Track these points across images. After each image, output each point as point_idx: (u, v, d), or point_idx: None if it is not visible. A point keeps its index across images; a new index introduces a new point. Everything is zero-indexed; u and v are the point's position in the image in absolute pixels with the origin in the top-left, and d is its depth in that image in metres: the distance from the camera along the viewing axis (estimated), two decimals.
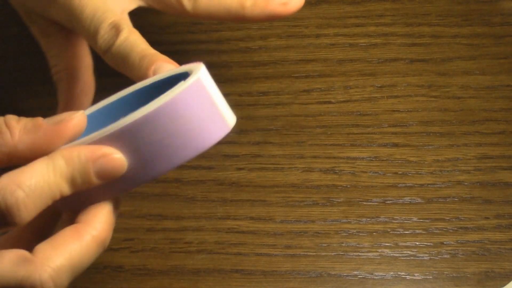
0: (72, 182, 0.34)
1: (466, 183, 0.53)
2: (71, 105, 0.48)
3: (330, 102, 0.57)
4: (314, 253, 0.51)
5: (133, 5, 0.44)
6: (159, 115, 0.34)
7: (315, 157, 0.54)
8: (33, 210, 0.33)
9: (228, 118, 0.38)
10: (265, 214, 0.53)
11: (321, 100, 0.57)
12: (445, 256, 0.51)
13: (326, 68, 0.58)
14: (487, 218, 0.52)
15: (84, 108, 0.44)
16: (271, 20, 0.44)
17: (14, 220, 0.33)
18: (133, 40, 0.41)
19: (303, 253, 0.51)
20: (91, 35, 0.42)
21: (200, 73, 0.36)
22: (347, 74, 0.58)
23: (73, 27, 0.44)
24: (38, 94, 0.58)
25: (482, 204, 0.52)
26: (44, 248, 0.34)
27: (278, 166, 0.54)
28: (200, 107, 0.36)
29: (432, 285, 0.50)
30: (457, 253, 0.51)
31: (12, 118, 0.34)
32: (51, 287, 0.33)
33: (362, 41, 0.59)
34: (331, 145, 0.55)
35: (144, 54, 0.40)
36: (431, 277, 0.50)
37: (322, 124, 0.56)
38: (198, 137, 0.35)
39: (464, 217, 0.52)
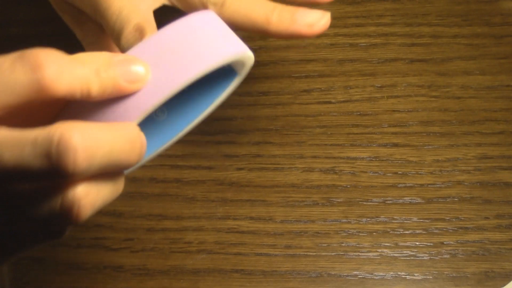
0: (99, 75, 0.33)
1: (466, 183, 0.53)
2: None
3: (330, 102, 0.57)
4: (314, 253, 0.51)
5: (158, 3, 0.44)
6: (174, 30, 0.35)
7: (315, 157, 0.54)
8: (63, 88, 0.32)
9: (241, 45, 0.38)
10: (265, 214, 0.53)
11: (321, 100, 0.57)
12: (445, 256, 0.51)
13: (326, 68, 0.58)
14: (487, 218, 0.52)
15: None
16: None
17: (40, 78, 0.31)
18: None
19: (303, 253, 0.51)
20: (116, 34, 0.42)
21: (209, 10, 0.38)
22: (347, 74, 0.58)
23: (98, 21, 0.44)
24: None
25: (482, 204, 0.52)
26: (75, 121, 0.32)
27: (278, 166, 0.54)
28: (212, 28, 0.37)
29: (432, 285, 0.50)
30: (457, 253, 0.51)
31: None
32: (80, 147, 0.30)
33: (362, 41, 0.59)
34: (331, 145, 0.55)
35: None
36: (431, 277, 0.50)
37: (322, 124, 0.56)
38: (212, 51, 0.36)
39: (464, 217, 0.52)
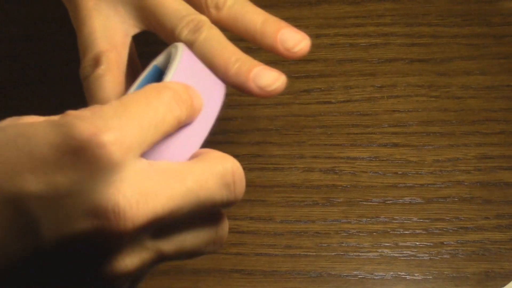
0: (181, 110, 0.34)
1: (466, 183, 0.53)
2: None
3: (330, 102, 0.57)
4: (314, 253, 0.51)
5: (137, 29, 0.44)
6: (188, 60, 0.38)
7: (315, 157, 0.54)
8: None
9: (219, 81, 0.40)
10: (265, 214, 0.53)
11: (321, 100, 0.57)
12: (445, 256, 0.51)
13: (326, 68, 0.58)
14: (487, 218, 0.52)
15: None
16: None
17: (180, 115, 0.34)
18: (102, 81, 0.41)
19: (303, 253, 0.51)
20: (80, 55, 0.42)
21: (182, 45, 0.39)
22: (347, 74, 0.57)
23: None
24: (38, 94, 0.58)
25: (482, 204, 0.52)
26: (204, 153, 0.36)
27: (278, 166, 0.54)
28: (198, 70, 0.38)
29: (432, 285, 0.50)
30: (457, 253, 0.51)
31: None
32: (242, 171, 0.34)
33: (362, 41, 0.59)
34: (331, 145, 0.55)
35: (101, 98, 0.41)
36: (431, 277, 0.50)
37: (322, 124, 0.56)
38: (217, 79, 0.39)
39: (464, 217, 0.52)
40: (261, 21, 0.43)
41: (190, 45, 0.40)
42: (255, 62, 0.42)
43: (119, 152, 0.30)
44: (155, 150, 0.34)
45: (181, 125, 0.34)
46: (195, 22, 0.41)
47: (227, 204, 0.34)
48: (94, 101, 0.41)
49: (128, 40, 0.43)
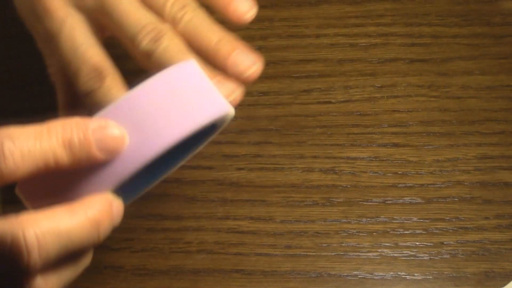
0: (69, 147, 0.32)
1: (466, 183, 0.53)
2: (71, 106, 0.48)
3: (330, 102, 0.57)
4: (314, 253, 0.51)
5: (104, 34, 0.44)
6: (152, 88, 0.34)
7: (315, 157, 0.54)
8: (23, 170, 0.32)
9: (223, 103, 0.37)
10: (265, 214, 0.53)
11: (321, 100, 0.57)
12: (445, 256, 0.51)
13: (326, 68, 0.58)
14: (487, 218, 0.52)
15: (83, 110, 0.44)
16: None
17: (2, 177, 0.31)
18: (112, 93, 0.40)
19: (303, 253, 0.51)
20: (72, 74, 0.41)
21: (191, 60, 0.37)
22: (347, 74, 0.57)
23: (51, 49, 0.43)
24: (38, 94, 0.58)
25: (482, 204, 0.52)
26: (31, 213, 0.32)
27: (278, 166, 0.54)
28: (193, 84, 0.36)
29: (432, 285, 0.50)
30: (457, 253, 0.51)
31: None
32: (35, 246, 0.31)
33: (362, 41, 0.59)
34: (331, 145, 0.55)
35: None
36: (431, 277, 0.50)
37: (322, 124, 0.56)
38: (193, 112, 0.35)
39: (464, 217, 0.52)
40: (215, 40, 0.42)
41: (150, 55, 0.40)
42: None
43: None
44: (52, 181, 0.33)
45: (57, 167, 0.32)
46: (156, 31, 0.40)
47: (13, 270, 0.32)
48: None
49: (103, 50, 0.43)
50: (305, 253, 0.51)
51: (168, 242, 0.52)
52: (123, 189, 0.35)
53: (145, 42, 0.40)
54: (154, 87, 0.34)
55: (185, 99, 0.35)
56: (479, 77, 0.57)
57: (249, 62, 0.42)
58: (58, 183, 0.34)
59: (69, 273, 0.34)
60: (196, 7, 0.42)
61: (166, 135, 0.34)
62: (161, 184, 0.54)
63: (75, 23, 0.42)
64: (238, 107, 0.56)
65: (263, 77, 0.58)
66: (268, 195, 0.53)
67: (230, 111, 0.37)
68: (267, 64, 0.59)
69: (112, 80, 0.40)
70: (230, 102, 0.38)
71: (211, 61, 0.42)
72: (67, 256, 0.33)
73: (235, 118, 0.56)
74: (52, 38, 0.42)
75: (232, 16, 0.42)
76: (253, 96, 0.57)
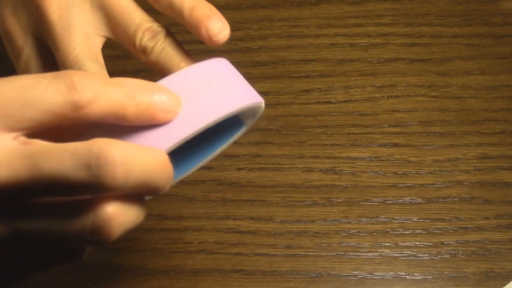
0: (136, 102, 0.33)
1: (466, 183, 0.53)
2: None
3: (330, 102, 0.57)
4: (314, 253, 0.51)
5: (103, 38, 0.44)
6: (201, 70, 0.36)
7: (315, 157, 0.54)
8: (97, 109, 0.32)
9: (257, 94, 0.39)
10: (265, 214, 0.53)
11: (321, 100, 0.57)
12: (445, 256, 0.51)
13: (326, 68, 0.58)
14: (487, 218, 0.52)
15: None
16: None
17: (77, 99, 0.31)
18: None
19: (303, 253, 0.51)
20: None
21: (223, 58, 0.38)
22: (347, 74, 0.58)
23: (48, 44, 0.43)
24: None
25: (482, 204, 0.52)
26: (113, 139, 0.32)
27: (278, 166, 0.54)
28: (231, 75, 0.38)
29: (432, 285, 0.50)
30: (457, 253, 0.51)
31: None
32: (120, 161, 0.30)
33: (362, 41, 0.59)
34: (331, 145, 0.55)
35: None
36: (431, 277, 0.50)
37: (322, 124, 0.56)
38: (236, 95, 0.37)
39: (464, 217, 0.52)
40: (191, 4, 0.42)
41: (148, 51, 0.41)
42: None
43: None
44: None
45: (113, 119, 0.33)
46: (153, 29, 0.41)
47: (91, 188, 0.31)
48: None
49: (101, 55, 0.42)
50: (305, 253, 0.51)
51: (168, 242, 0.52)
52: None
53: (145, 38, 0.41)
54: (201, 70, 0.37)
55: (227, 84, 0.37)
56: (479, 77, 0.57)
57: (220, 26, 0.42)
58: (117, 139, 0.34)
59: (134, 216, 0.33)
60: (166, 35, 0.42)
61: (213, 110, 0.36)
62: None
63: (31, 54, 0.42)
64: None
65: (263, 77, 0.58)
66: (268, 195, 0.53)
67: (263, 105, 0.39)
68: (267, 64, 0.59)
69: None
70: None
71: (185, 23, 0.42)
72: (138, 192, 0.32)
73: None
74: (14, 63, 0.43)
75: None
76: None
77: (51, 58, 0.43)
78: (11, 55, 0.44)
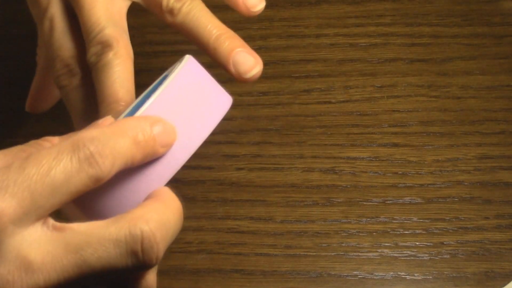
0: (139, 144, 0.33)
1: (466, 183, 0.53)
2: (42, 93, 0.48)
3: (330, 102, 0.57)
4: (314, 253, 0.51)
5: (128, 2, 0.44)
6: (176, 85, 0.36)
7: (315, 157, 0.54)
8: (115, 170, 0.32)
9: (226, 94, 0.39)
10: (265, 214, 0.53)
11: (321, 100, 0.57)
12: (445, 256, 0.51)
13: (326, 68, 0.58)
14: (487, 218, 0.52)
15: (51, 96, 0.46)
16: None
17: (99, 173, 0.31)
18: (111, 68, 0.40)
19: (303, 253, 0.51)
20: (84, 37, 0.41)
21: (190, 58, 0.38)
22: (347, 74, 0.58)
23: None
24: None
25: (482, 204, 0.52)
26: (137, 210, 0.32)
27: (278, 166, 0.54)
28: (201, 82, 0.37)
29: (432, 285, 0.50)
30: (457, 253, 0.51)
31: None
32: (159, 239, 0.32)
33: (362, 41, 0.59)
34: (331, 145, 0.55)
35: (109, 86, 0.40)
36: (431, 277, 0.50)
37: (322, 124, 0.56)
38: (214, 104, 0.37)
39: (464, 217, 0.52)
40: (215, 36, 0.42)
41: (175, 14, 0.41)
42: (235, 42, 0.42)
43: None
44: (101, 192, 0.34)
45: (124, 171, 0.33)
46: None
47: (137, 269, 0.32)
48: (103, 91, 0.40)
49: (123, 19, 0.43)
50: (305, 253, 0.51)
51: None
52: None
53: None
54: (177, 85, 0.36)
55: (205, 94, 0.37)
56: (479, 77, 0.57)
57: (251, 63, 0.42)
58: (122, 181, 0.35)
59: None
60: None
61: (203, 125, 0.36)
62: None
63: (55, 14, 0.42)
64: (238, 107, 0.56)
65: (263, 77, 0.58)
66: (268, 195, 0.53)
67: (231, 101, 0.39)
68: (267, 64, 0.59)
69: (81, 79, 0.41)
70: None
71: (211, 56, 0.42)
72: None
73: (235, 118, 0.57)
74: (37, 24, 0.43)
75: (242, 8, 0.42)
76: (253, 96, 0.57)
77: (75, 18, 0.42)
78: (35, 16, 0.44)
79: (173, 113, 0.35)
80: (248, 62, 0.42)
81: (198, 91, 0.37)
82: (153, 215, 0.32)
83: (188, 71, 0.37)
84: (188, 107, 0.36)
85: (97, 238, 0.31)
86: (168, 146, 0.35)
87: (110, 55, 0.40)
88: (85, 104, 0.41)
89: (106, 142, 0.32)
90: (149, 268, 0.32)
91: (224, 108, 0.38)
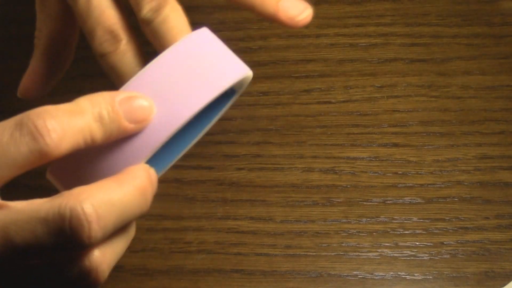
0: (101, 121, 0.32)
1: (466, 183, 0.53)
2: (39, 74, 0.47)
3: (330, 102, 0.57)
4: (314, 253, 0.51)
5: None
6: (172, 57, 0.35)
7: (315, 157, 0.54)
8: (65, 146, 0.31)
9: (241, 65, 0.37)
10: (265, 214, 0.53)
11: (321, 100, 0.57)
12: (445, 256, 0.51)
13: (326, 68, 0.58)
14: (487, 218, 0.52)
15: (48, 82, 0.45)
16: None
17: (44, 147, 0.31)
18: (126, 56, 0.40)
19: (303, 253, 0.51)
20: (87, 32, 0.41)
21: (204, 28, 0.37)
22: (347, 74, 0.57)
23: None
24: None
25: (482, 204, 0.52)
26: (82, 187, 0.31)
27: (278, 166, 0.54)
28: (210, 50, 0.36)
29: (432, 285, 0.50)
30: (457, 253, 0.51)
31: None
32: (94, 217, 0.30)
33: (362, 41, 0.59)
34: (331, 145, 0.55)
35: (125, 73, 0.40)
36: (431, 277, 0.50)
37: (322, 124, 0.56)
38: (215, 77, 0.35)
39: (464, 217, 0.52)
40: None
41: (149, 23, 0.40)
42: None
43: None
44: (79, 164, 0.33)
45: (84, 147, 0.32)
46: (158, 1, 0.40)
47: (70, 248, 0.31)
48: (119, 77, 0.39)
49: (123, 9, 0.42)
50: (305, 253, 0.51)
51: (168, 242, 0.52)
52: (151, 163, 0.35)
53: (146, 9, 0.40)
54: (173, 56, 0.35)
55: (205, 65, 0.35)
56: (479, 77, 0.57)
57: (301, 7, 0.42)
58: (91, 161, 0.34)
59: (121, 245, 0.34)
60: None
61: (191, 102, 0.34)
62: (161, 184, 0.54)
63: None
64: (238, 107, 0.56)
65: (263, 77, 0.58)
66: (268, 195, 0.53)
67: (249, 73, 0.38)
68: (267, 64, 0.59)
69: (127, 44, 0.40)
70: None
71: (258, 11, 0.41)
72: (120, 227, 0.33)
73: (235, 118, 0.57)
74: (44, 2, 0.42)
75: (284, 20, 0.41)
76: (253, 96, 0.57)
77: None
78: None
79: (158, 87, 0.34)
80: (297, 5, 0.42)
81: (200, 62, 0.35)
82: (96, 193, 0.31)
83: (189, 42, 0.36)
84: (179, 81, 0.34)
85: (27, 217, 0.31)
86: (141, 123, 0.33)
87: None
88: (131, 68, 0.40)
89: (59, 117, 0.31)
90: (85, 248, 0.31)
91: (235, 77, 0.36)
